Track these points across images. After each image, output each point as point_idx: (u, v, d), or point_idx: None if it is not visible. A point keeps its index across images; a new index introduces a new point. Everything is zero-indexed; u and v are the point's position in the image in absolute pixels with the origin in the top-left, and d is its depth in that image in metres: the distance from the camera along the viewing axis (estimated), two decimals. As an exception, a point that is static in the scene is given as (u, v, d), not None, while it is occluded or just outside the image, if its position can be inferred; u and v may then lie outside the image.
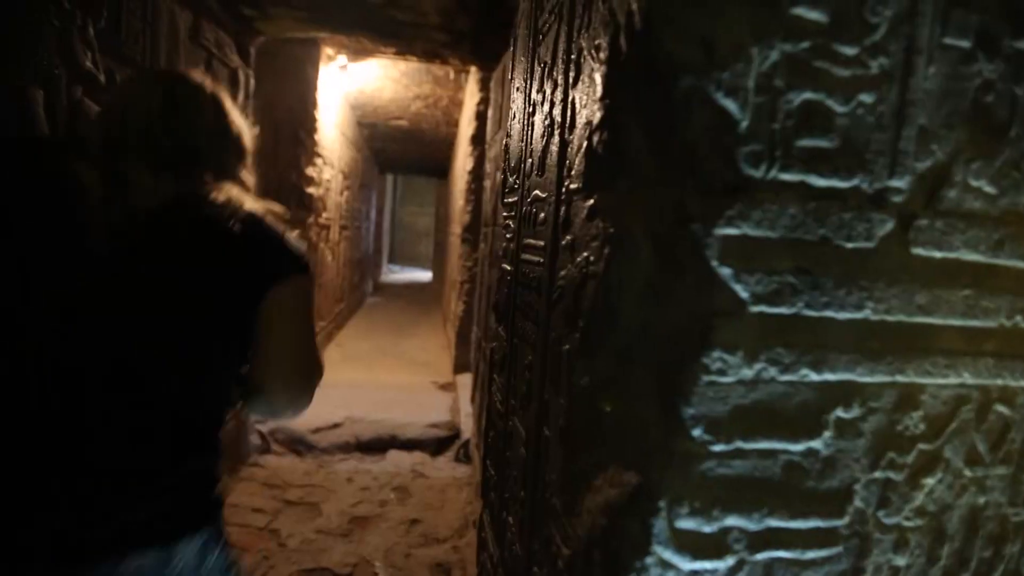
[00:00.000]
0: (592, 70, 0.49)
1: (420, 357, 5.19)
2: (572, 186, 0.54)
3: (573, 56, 0.56)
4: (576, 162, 0.53)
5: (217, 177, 0.69)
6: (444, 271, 8.37)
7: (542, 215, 0.67)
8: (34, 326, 0.58)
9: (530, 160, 0.75)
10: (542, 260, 0.65)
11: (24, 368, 0.58)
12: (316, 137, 4.27)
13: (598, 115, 0.47)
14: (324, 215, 4.90)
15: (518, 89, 0.85)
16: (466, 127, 4.72)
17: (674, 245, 0.43)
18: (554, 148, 0.61)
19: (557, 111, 0.61)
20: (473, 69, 4.21)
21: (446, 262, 7.67)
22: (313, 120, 4.19)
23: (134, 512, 0.61)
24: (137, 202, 0.62)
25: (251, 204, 0.70)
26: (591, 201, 0.49)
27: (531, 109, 0.76)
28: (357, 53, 4.19)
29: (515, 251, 0.83)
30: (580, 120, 0.52)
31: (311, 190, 4.27)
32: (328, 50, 4.18)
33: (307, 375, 0.76)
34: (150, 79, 0.87)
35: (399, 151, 7.81)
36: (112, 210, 0.60)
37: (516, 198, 0.85)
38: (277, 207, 0.76)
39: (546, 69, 0.67)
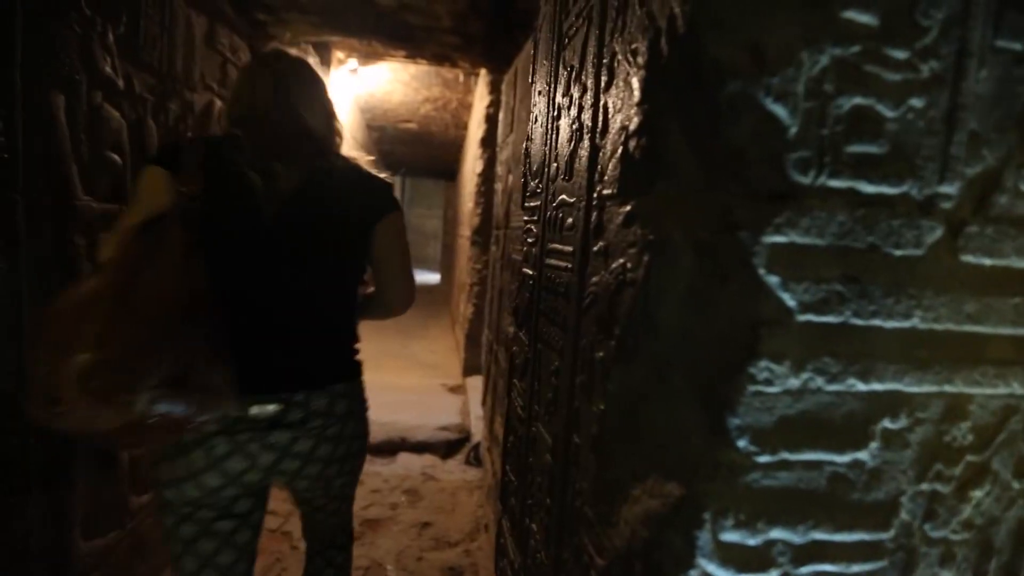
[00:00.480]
0: (628, 74, 0.49)
1: (429, 359, 5.19)
2: (605, 191, 0.53)
3: (605, 60, 0.55)
4: (610, 167, 0.52)
5: (331, 152, 1.03)
6: (452, 273, 8.38)
7: (570, 220, 0.66)
8: (244, 260, 0.95)
9: (555, 164, 0.74)
10: (570, 265, 0.65)
11: (240, 278, 0.95)
12: (326, 140, 4.28)
13: (635, 120, 0.46)
14: (334, 218, 4.91)
15: (541, 93, 0.84)
16: (475, 130, 4.73)
17: (718, 252, 0.42)
18: (584, 153, 0.61)
19: (587, 116, 0.60)
20: (483, 72, 4.22)
21: (454, 264, 7.68)
22: (323, 123, 4.20)
23: (314, 362, 1.00)
24: (281, 186, 0.95)
25: (363, 161, 1.06)
26: (628, 207, 0.48)
27: (556, 113, 0.75)
28: (367, 57, 4.21)
29: (539, 256, 0.82)
30: (614, 125, 0.52)
31: (321, 193, 4.29)
32: (339, 54, 4.20)
33: (410, 278, 1.12)
34: (283, 61, 1.09)
35: (408, 154, 7.83)
36: (268, 194, 0.94)
37: (539, 202, 0.84)
38: (369, 157, 1.09)
39: (573, 73, 0.67)
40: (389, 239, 1.04)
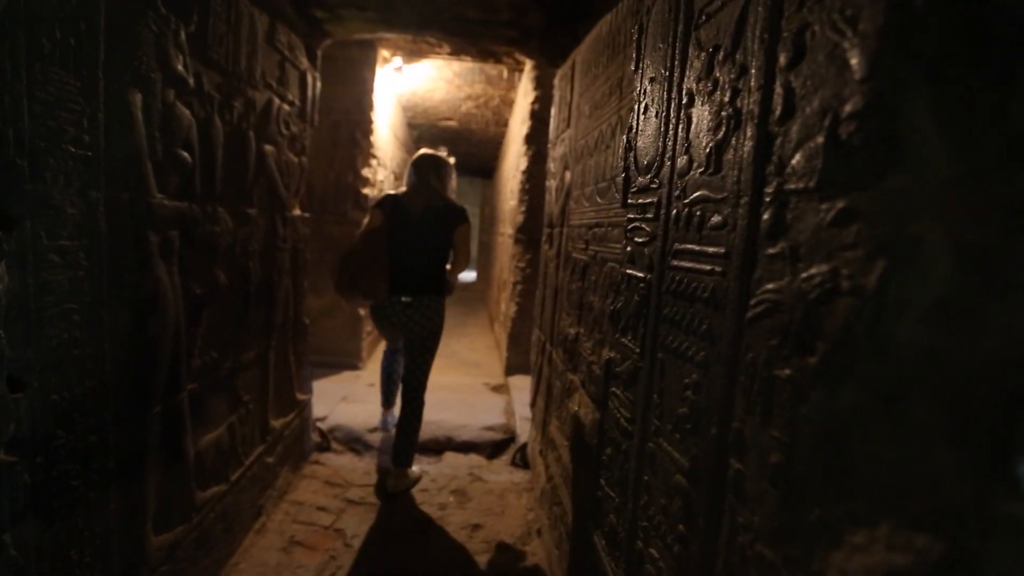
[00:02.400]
0: (837, 47, 0.41)
1: (470, 357, 5.18)
2: (790, 186, 0.46)
3: (785, 35, 0.48)
4: (797, 158, 0.45)
5: (441, 194, 2.57)
6: (489, 271, 8.36)
7: (716, 218, 0.59)
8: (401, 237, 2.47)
9: (684, 157, 0.67)
10: (719, 268, 0.58)
11: (399, 250, 2.44)
12: (372, 139, 4.31)
13: (854, 101, 0.39)
14: (377, 215, 4.95)
15: (654, 80, 0.77)
16: (519, 126, 4.67)
17: (994, 258, 0.34)
18: (744, 142, 0.54)
19: (750, 100, 0.53)
20: (528, 67, 4.16)
21: (492, 262, 7.66)
22: (369, 122, 4.23)
23: (425, 286, 2.47)
24: (419, 204, 2.48)
25: (453, 198, 2.65)
26: (839, 203, 0.41)
27: (684, 100, 0.68)
28: (412, 55, 4.20)
29: (658, 257, 0.75)
30: (807, 108, 0.44)
31: (366, 190, 4.32)
32: (384, 52, 4.21)
33: (469, 254, 2.59)
34: (425, 157, 2.65)
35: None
36: (415, 210, 2.48)
37: (654, 199, 0.77)
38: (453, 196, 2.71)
39: (719, 54, 0.60)
40: (461, 235, 2.54)
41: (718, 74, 0.60)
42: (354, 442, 3.14)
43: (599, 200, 1.62)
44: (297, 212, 2.50)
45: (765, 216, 0.50)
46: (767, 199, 0.50)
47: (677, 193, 0.69)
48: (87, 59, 1.10)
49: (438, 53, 3.95)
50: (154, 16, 1.32)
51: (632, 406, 0.79)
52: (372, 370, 4.49)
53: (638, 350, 0.79)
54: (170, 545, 1.54)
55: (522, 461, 3.03)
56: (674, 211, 0.70)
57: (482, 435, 3.28)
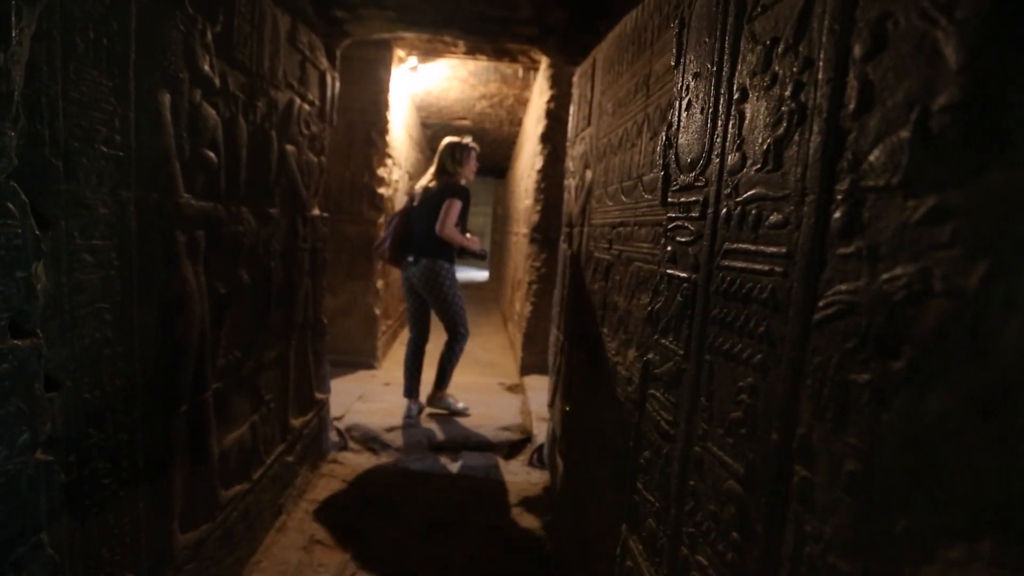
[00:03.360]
0: (926, 36, 0.39)
1: (484, 357, 5.17)
2: (869, 183, 0.44)
3: (860, 25, 0.46)
4: (877, 153, 0.43)
5: (457, 171, 3.21)
6: (502, 270, 8.35)
7: (774, 217, 0.57)
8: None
9: (737, 154, 0.65)
10: (780, 269, 0.56)
11: (411, 222, 3.25)
12: (387, 138, 4.31)
13: (949, 92, 0.37)
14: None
15: (699, 76, 0.75)
16: (534, 125, 4.65)
17: None
18: (812, 138, 0.51)
19: (819, 93, 0.51)
20: (543, 66, 4.14)
21: (505, 262, 7.65)
22: (385, 121, 4.23)
23: (423, 250, 3.14)
24: (431, 187, 3.19)
25: (469, 177, 3.26)
26: (929, 200, 0.39)
27: (737, 95, 0.66)
28: (427, 54, 4.20)
29: (705, 256, 0.73)
30: (890, 101, 0.42)
31: (381, 190, 4.33)
32: (399, 52, 4.22)
33: (446, 224, 3.08)
34: (444, 145, 3.27)
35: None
36: (426, 192, 3.20)
37: (699, 197, 0.75)
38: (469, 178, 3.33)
39: (778, 47, 0.58)
40: (445, 205, 3.04)
41: (777, 68, 0.58)
42: (371, 441, 3.14)
43: (624, 199, 1.60)
44: (316, 212, 2.51)
45: (836, 214, 0.48)
46: (839, 197, 0.48)
47: (727, 191, 0.67)
48: (119, 59, 1.10)
49: (453, 52, 3.95)
50: (182, 16, 1.33)
51: (675, 409, 0.77)
52: (387, 369, 4.50)
53: (682, 352, 0.77)
54: (195, 543, 1.54)
55: (539, 461, 3.02)
56: (724, 209, 0.68)
57: (499, 435, 3.27)
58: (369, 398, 3.66)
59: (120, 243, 1.14)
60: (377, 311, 4.41)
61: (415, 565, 2.09)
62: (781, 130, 0.57)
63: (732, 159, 0.67)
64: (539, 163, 4.22)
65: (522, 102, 5.47)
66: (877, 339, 0.42)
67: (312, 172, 2.39)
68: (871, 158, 0.44)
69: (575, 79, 2.64)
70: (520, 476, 2.94)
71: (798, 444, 0.51)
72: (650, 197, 1.36)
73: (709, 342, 0.70)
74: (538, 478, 2.90)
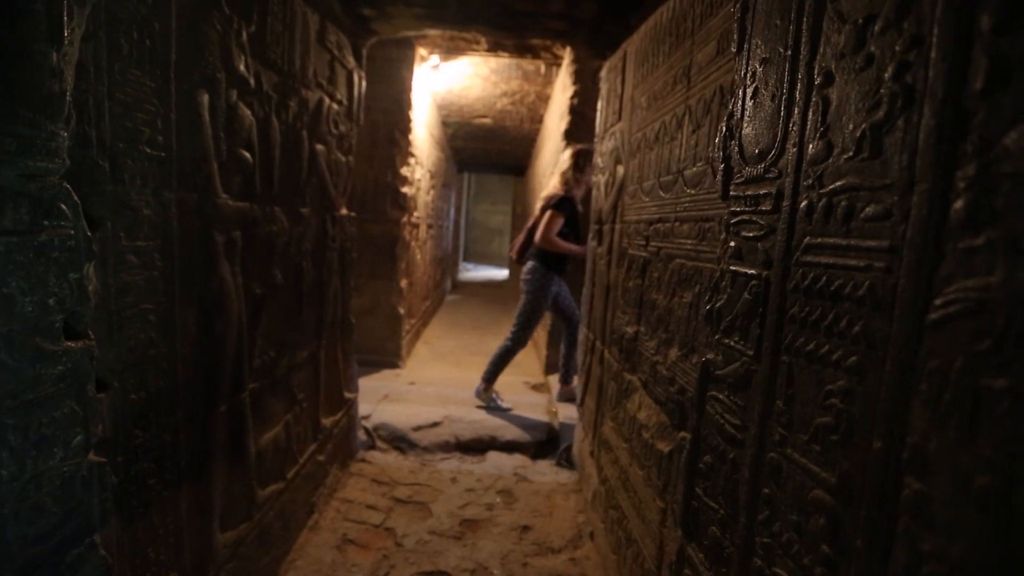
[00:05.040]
0: None
1: (506, 356, 5.14)
2: (1003, 168, 0.40)
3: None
4: (1013, 135, 0.39)
5: (578, 178, 3.33)
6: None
7: (870, 208, 0.53)
8: None
9: (820, 142, 0.61)
10: (881, 264, 0.52)
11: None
12: (410, 137, 4.31)
13: None
14: (415, 214, 4.97)
15: (768, 61, 0.72)
16: (556, 122, 4.61)
17: None
18: (922, 121, 0.47)
19: (930, 72, 0.47)
20: (566, 62, 4.09)
21: (525, 260, 7.61)
22: (408, 121, 4.23)
23: (529, 254, 3.50)
24: (550, 194, 3.37)
25: (589, 183, 3.14)
26: None
27: (820, 80, 0.62)
28: (449, 52, 4.19)
29: (780, 252, 0.69)
30: None
31: (405, 189, 4.33)
32: (421, 50, 4.21)
33: (545, 236, 3.29)
34: (574, 151, 3.39)
35: (480, 149, 7.85)
36: (544, 201, 3.38)
37: (770, 190, 0.72)
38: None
39: (873, 25, 0.54)
40: (545, 216, 3.31)
41: (873, 48, 0.54)
42: (399, 440, 3.14)
43: (662, 194, 1.56)
44: (344, 211, 2.51)
45: (958, 204, 0.44)
46: (961, 185, 0.44)
47: (808, 182, 0.63)
48: (161, 60, 1.10)
49: (475, 50, 3.93)
50: (219, 16, 1.32)
51: (743, 412, 0.74)
52: (412, 368, 4.50)
53: (751, 352, 0.73)
54: (234, 542, 1.55)
55: (567, 461, 2.99)
56: (804, 202, 0.64)
57: (525, 435, 3.24)
58: (394, 398, 3.67)
59: (163, 244, 1.14)
60: (401, 310, 4.41)
61: (447, 564, 2.08)
62: (880, 114, 0.53)
63: (814, 148, 0.63)
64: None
65: (543, 99, 5.43)
66: (1017, 341, 0.38)
67: (340, 171, 2.39)
68: (1006, 141, 0.40)
69: (603, 73, 2.60)
70: (548, 476, 2.92)
71: (909, 454, 0.47)
72: (692, 192, 1.32)
73: (786, 342, 0.66)
74: (567, 478, 2.87)
